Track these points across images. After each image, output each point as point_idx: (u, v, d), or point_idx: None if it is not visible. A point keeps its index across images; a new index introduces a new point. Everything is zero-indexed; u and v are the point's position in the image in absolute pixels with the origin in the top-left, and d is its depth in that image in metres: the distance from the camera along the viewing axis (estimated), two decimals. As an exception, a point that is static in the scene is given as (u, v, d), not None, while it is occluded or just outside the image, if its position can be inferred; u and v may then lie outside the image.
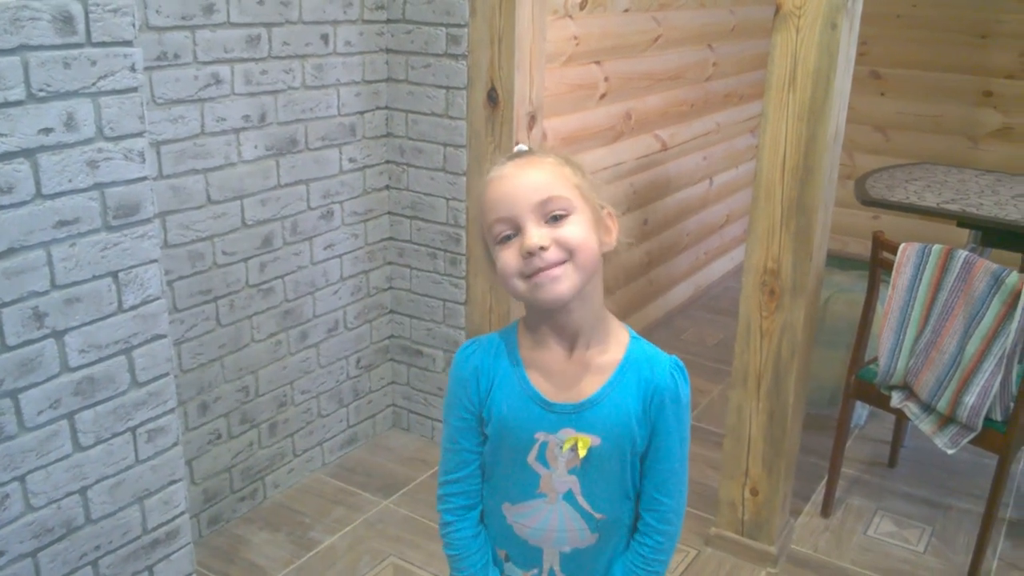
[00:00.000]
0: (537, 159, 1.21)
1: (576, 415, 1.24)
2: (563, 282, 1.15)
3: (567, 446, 1.24)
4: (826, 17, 1.97)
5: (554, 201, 1.15)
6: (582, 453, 1.23)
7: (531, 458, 1.26)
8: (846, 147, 4.69)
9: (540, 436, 1.25)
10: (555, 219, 1.16)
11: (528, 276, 1.15)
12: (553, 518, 1.28)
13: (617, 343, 1.27)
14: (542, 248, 1.14)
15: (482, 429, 1.30)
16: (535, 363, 1.26)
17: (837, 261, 3.54)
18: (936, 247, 2.30)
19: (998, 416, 2.26)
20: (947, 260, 2.27)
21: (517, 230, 1.16)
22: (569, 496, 1.27)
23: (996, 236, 3.04)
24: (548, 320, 1.23)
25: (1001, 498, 2.32)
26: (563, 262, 1.15)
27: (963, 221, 2.98)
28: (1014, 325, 2.14)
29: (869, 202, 3.10)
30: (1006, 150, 4.47)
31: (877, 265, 2.46)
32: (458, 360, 1.31)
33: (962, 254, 2.25)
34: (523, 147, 1.26)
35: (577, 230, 1.16)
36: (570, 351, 1.25)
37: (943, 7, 4.46)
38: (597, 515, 1.28)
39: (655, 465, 1.28)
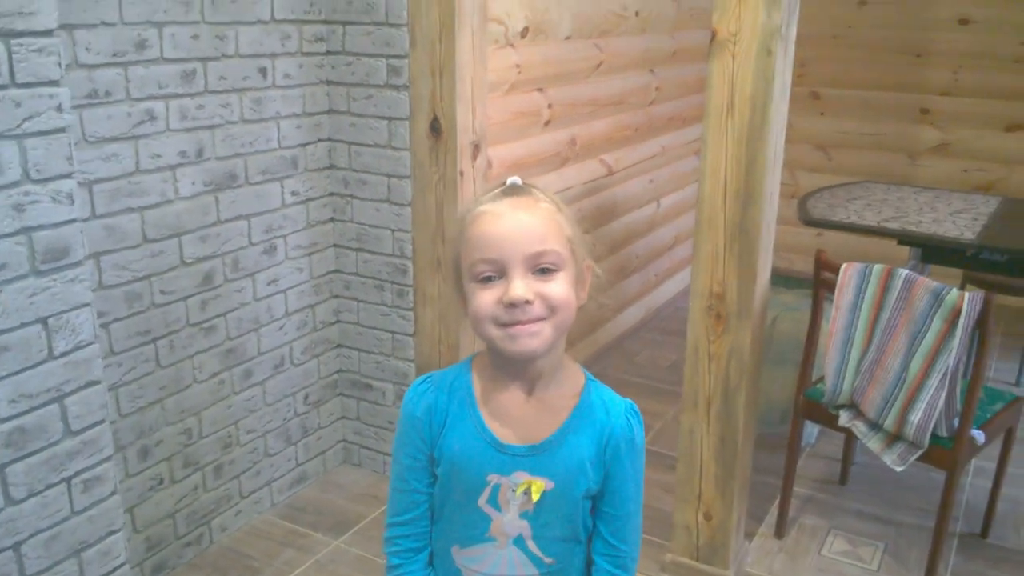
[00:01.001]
0: (533, 202, 1.16)
1: (530, 458, 1.21)
2: (538, 338, 1.13)
3: (520, 490, 1.21)
4: (761, 43, 1.99)
5: (547, 255, 1.12)
6: (535, 497, 1.20)
7: (482, 500, 1.23)
8: (788, 166, 4.76)
9: (493, 478, 1.22)
10: (542, 271, 1.13)
11: (504, 325, 1.13)
12: (503, 563, 1.25)
13: (573, 386, 1.25)
14: (527, 302, 1.11)
15: (433, 469, 1.27)
16: (490, 404, 1.23)
17: (783, 280, 3.58)
18: (876, 267, 2.32)
19: (944, 432, 2.28)
20: (888, 279, 2.30)
21: (501, 274, 1.12)
22: (519, 541, 1.24)
23: (936, 253, 3.10)
24: (508, 364, 1.20)
25: (951, 513, 2.35)
26: (543, 319, 1.13)
27: (903, 239, 3.02)
28: (956, 342, 2.16)
29: (811, 222, 3.14)
30: (944, 165, 4.57)
31: (820, 285, 2.48)
32: (410, 398, 1.27)
33: (902, 273, 2.28)
34: (516, 180, 1.21)
35: (562, 289, 1.14)
36: (527, 394, 1.22)
37: (879, 28, 4.57)
38: (547, 560, 1.25)
39: (611, 511, 1.26)
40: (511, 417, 1.22)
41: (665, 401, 3.55)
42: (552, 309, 1.13)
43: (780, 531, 2.68)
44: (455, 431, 1.23)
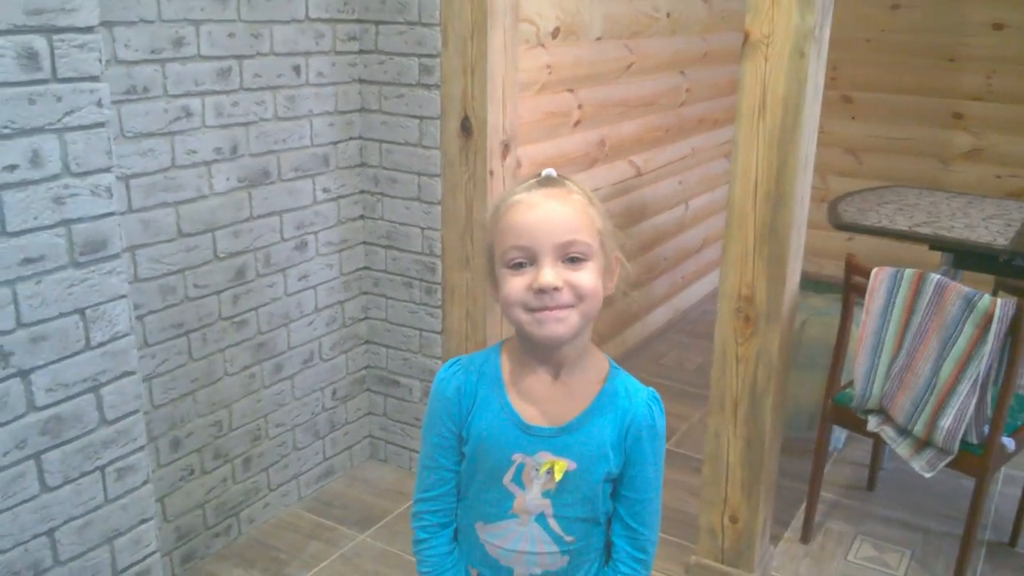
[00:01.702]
0: (566, 193, 1.20)
1: (554, 439, 1.25)
2: (565, 324, 1.17)
3: (544, 469, 1.25)
4: (794, 45, 1.99)
5: (577, 245, 1.17)
6: (558, 477, 1.25)
7: (507, 479, 1.27)
8: (819, 170, 4.73)
9: (518, 458, 1.26)
10: (572, 260, 1.17)
11: (533, 310, 1.17)
12: (524, 540, 1.29)
13: (598, 372, 1.29)
14: (555, 288, 1.15)
15: (460, 448, 1.31)
16: (517, 386, 1.27)
17: (812, 284, 3.55)
18: (908, 271, 2.31)
19: (974, 439, 2.26)
20: (919, 284, 2.28)
21: (532, 261, 1.17)
22: (541, 519, 1.28)
23: (968, 258, 3.07)
24: (536, 349, 1.25)
25: (979, 521, 2.32)
26: (570, 306, 1.17)
27: (935, 244, 3.00)
28: (987, 348, 2.14)
29: (842, 226, 3.12)
30: (977, 171, 4.52)
31: (850, 289, 2.47)
32: (440, 379, 1.32)
33: (934, 278, 2.26)
34: (551, 172, 1.25)
35: (590, 278, 1.18)
36: (553, 378, 1.27)
37: (911, 31, 4.52)
38: (568, 538, 1.29)
39: (631, 495, 1.30)
40: (537, 399, 1.27)
41: (691, 404, 3.54)
42: (580, 297, 1.17)
43: (806, 536, 2.67)
44: (483, 412, 1.28)
